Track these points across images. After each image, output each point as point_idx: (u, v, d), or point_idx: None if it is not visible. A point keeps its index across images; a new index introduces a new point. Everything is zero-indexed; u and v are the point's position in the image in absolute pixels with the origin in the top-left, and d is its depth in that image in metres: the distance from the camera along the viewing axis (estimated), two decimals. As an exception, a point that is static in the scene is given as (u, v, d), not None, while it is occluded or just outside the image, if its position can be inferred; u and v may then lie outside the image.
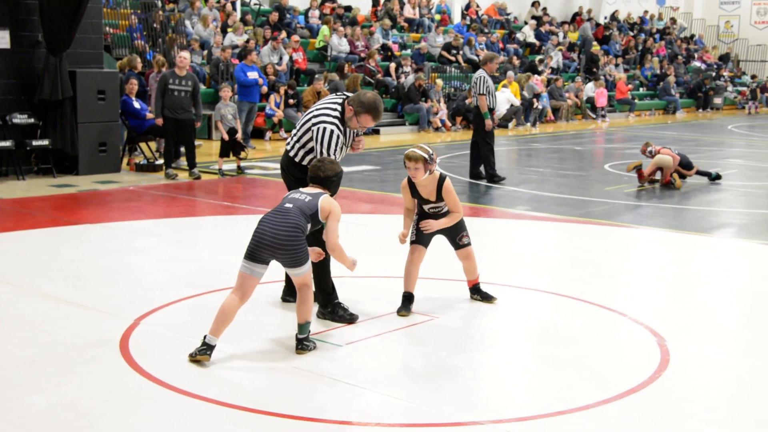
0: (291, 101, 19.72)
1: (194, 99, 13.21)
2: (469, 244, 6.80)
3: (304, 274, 5.57)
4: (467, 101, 23.70)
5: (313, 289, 5.83)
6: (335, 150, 6.19)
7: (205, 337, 5.38)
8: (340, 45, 23.82)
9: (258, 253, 5.44)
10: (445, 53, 26.38)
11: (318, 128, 6.21)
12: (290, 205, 5.56)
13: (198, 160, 13.74)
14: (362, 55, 23.98)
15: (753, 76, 37.73)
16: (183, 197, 11.74)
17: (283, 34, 22.53)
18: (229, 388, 4.98)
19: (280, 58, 21.11)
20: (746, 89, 36.46)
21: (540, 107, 25.69)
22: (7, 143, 12.54)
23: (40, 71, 12.84)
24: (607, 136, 23.69)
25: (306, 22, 25.43)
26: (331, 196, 5.77)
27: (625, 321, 6.51)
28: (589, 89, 28.41)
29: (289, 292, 6.69)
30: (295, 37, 22.63)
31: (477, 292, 6.91)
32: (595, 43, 32.37)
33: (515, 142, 20.75)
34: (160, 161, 14.09)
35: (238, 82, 17.69)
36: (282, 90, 19.65)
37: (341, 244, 5.69)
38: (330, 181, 5.78)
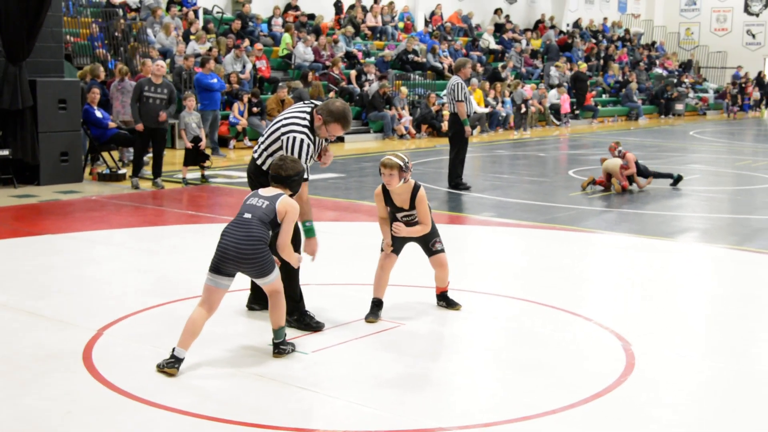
0: (255, 109, 19.65)
1: (169, 107, 13.11)
2: (442, 250, 6.80)
3: (272, 282, 5.54)
4: (434, 109, 23.77)
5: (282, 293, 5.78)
6: (305, 159, 6.16)
7: (173, 349, 5.32)
8: (304, 54, 23.79)
9: (223, 266, 5.41)
10: (415, 58, 26.46)
11: (288, 137, 6.15)
12: (249, 216, 5.51)
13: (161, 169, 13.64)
14: (326, 63, 23.97)
15: (733, 82, 38.05)
16: (147, 206, 11.64)
17: (246, 43, 22.45)
18: (196, 397, 4.93)
19: (244, 67, 21.04)
20: (707, 96, 36.98)
21: (504, 114, 25.85)
22: (-33, 153, 12.38)
23: (0, 80, 12.68)
24: (570, 143, 23.85)
25: (269, 30, 25.38)
26: (292, 195, 5.73)
27: (591, 325, 6.53)
28: (553, 96, 28.60)
29: (255, 300, 6.65)
30: (258, 46, 22.56)
31: (443, 299, 6.92)
32: (581, 61, 32.47)
33: (480, 149, 20.82)
34: (123, 170, 13.96)
35: (199, 88, 17.56)
36: (245, 98, 19.58)
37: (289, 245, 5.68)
38: (291, 180, 5.71)
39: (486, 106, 25.17)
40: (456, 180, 13.68)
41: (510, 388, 5.27)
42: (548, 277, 8.12)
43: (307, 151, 6.16)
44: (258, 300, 6.56)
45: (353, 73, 24.14)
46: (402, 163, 6.39)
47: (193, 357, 5.51)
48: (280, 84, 20.76)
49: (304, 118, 6.24)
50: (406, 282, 7.53)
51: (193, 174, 13.97)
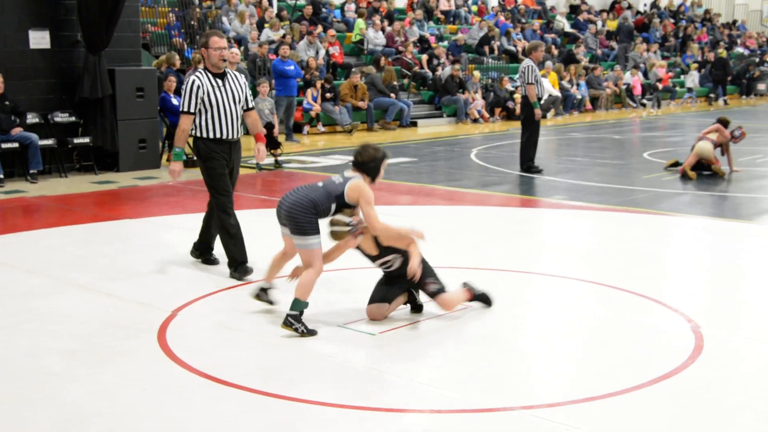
0: (328, 95, 19.79)
1: None
2: (441, 290, 6.10)
3: (307, 250, 5.76)
4: (509, 91, 23.61)
5: (319, 273, 5.84)
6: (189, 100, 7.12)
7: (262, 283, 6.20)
8: (376, 38, 23.86)
9: (278, 216, 5.86)
10: (485, 47, 26.30)
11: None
12: (321, 183, 5.86)
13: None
14: (399, 48, 23.99)
15: None
16: (221, 192, 11.83)
17: (319, 29, 22.60)
18: (263, 375, 5.05)
19: (317, 53, 21.19)
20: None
21: (579, 96, 25.57)
22: (50, 141, 12.75)
23: (80, 70, 13.04)
24: (646, 125, 23.49)
25: (342, 16, 25.51)
26: (372, 182, 5.89)
27: (660, 308, 6.48)
28: (629, 77, 28.18)
29: (198, 249, 7.64)
30: (332, 32, 22.70)
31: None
32: (722, 49, 32.16)
33: (554, 132, 20.65)
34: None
35: (275, 75, 17.78)
36: (319, 84, 19.73)
37: (387, 224, 5.85)
38: (366, 167, 5.89)
39: (560, 89, 24.93)
40: (528, 163, 13.61)
41: (577, 369, 5.28)
42: (619, 259, 8.06)
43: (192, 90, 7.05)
44: (198, 248, 7.57)
45: (425, 57, 24.12)
46: (348, 228, 5.87)
47: (262, 337, 5.63)
48: (353, 70, 20.89)
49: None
50: (474, 264, 7.56)
51: (267, 159, 14.16)
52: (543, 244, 8.92)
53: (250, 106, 7.48)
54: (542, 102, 23.67)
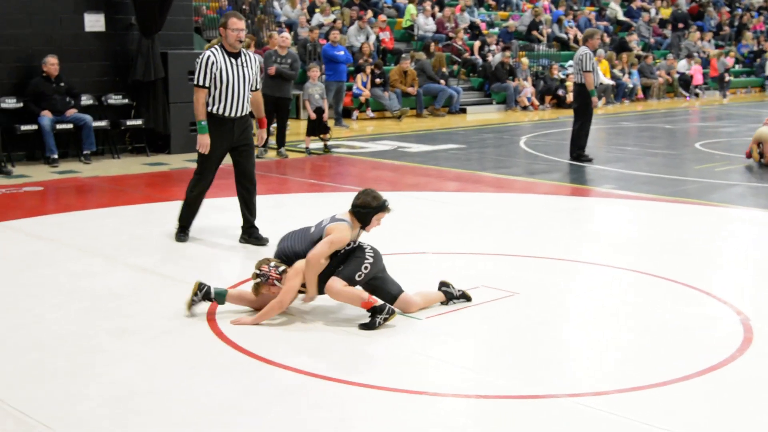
0: (378, 81, 19.80)
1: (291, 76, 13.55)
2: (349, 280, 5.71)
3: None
4: (559, 78, 23.41)
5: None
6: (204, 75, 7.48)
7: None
8: (426, 24, 23.80)
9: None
10: (535, 33, 26.09)
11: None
12: (312, 229, 5.84)
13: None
14: (449, 34, 23.92)
15: None
16: (271, 175, 11.94)
17: (370, 14, 22.60)
18: (309, 356, 5.10)
19: (367, 38, 21.21)
20: None
21: (630, 85, 25.30)
22: (103, 123, 12.93)
23: (134, 53, 13.20)
24: (699, 115, 23.19)
25: (393, 1, 25.47)
26: (363, 227, 5.78)
27: (709, 299, 6.42)
28: (682, 66, 27.80)
29: (246, 232, 7.88)
30: (382, 17, 22.69)
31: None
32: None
33: (604, 121, 20.46)
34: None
35: (325, 59, 17.83)
36: (368, 70, 19.74)
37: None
38: (357, 211, 5.75)
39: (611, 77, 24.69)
40: (578, 152, 13.51)
41: (624, 359, 5.26)
42: (668, 250, 7.99)
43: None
44: (245, 231, 7.84)
45: (476, 43, 24.02)
46: (268, 276, 5.71)
47: (308, 320, 5.69)
48: (403, 55, 20.86)
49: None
50: (521, 252, 7.55)
51: (317, 144, 14.23)
52: (590, 232, 8.87)
53: (257, 87, 7.77)
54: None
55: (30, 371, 4.85)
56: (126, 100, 13.37)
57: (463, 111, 21.54)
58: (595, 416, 4.38)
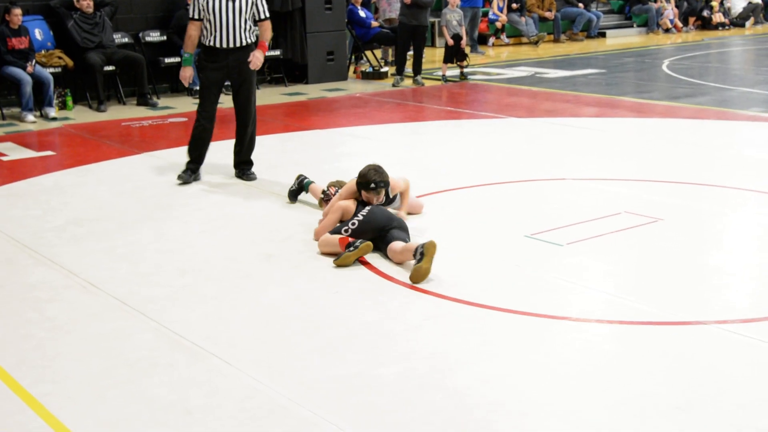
0: (514, 5, 19.42)
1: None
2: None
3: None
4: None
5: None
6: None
7: None
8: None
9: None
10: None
11: None
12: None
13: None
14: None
15: None
16: (408, 103, 11.95)
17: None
18: (453, 283, 5.13)
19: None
20: None
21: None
22: (242, 54, 13.14)
23: (271, -16, 13.32)
24: None
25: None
26: (360, 196, 5.99)
27: None
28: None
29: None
30: (519, -60, 22.13)
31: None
32: None
33: (753, 42, 19.55)
34: (385, 68, 14.34)
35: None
36: (505, -6, 19.38)
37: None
38: (358, 179, 5.99)
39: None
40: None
41: (773, 287, 5.10)
42: (823, 175, 7.64)
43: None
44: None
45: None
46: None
47: (453, 247, 5.72)
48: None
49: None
50: (664, 177, 7.36)
51: (453, 71, 14.12)
52: (736, 157, 8.55)
53: (262, 17, 7.59)
54: (742, 10, 22.56)
55: (182, 294, 5.06)
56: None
57: (603, 35, 20.94)
58: (744, 343, 4.27)
